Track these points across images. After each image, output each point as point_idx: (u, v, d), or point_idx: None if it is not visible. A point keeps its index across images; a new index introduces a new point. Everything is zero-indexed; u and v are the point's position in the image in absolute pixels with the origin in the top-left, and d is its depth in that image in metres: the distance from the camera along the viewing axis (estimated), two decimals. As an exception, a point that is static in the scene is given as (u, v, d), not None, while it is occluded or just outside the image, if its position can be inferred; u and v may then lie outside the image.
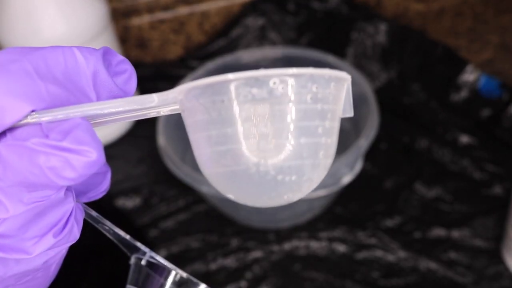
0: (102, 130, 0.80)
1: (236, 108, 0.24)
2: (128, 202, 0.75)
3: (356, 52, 0.88)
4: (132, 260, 0.31)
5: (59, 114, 0.23)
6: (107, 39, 0.75)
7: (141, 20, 0.90)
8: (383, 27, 0.88)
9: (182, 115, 0.26)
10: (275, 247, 0.69)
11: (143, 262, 0.30)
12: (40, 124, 0.23)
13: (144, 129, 0.82)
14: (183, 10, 0.91)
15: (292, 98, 0.24)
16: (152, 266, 0.30)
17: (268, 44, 0.91)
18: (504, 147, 0.77)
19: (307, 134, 0.24)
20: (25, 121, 0.23)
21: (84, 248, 0.67)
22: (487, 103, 0.81)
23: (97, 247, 0.66)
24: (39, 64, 0.24)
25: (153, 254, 0.30)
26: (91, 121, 0.25)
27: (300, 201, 0.65)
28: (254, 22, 0.91)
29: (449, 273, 0.66)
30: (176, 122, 0.71)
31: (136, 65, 0.90)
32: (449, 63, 0.86)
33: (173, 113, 0.26)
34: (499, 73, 0.87)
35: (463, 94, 0.83)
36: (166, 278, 0.30)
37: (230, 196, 0.26)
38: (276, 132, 0.24)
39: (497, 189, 0.73)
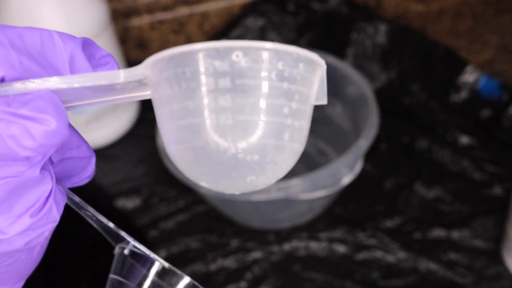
0: (102, 131, 0.80)
1: (197, 81, 0.23)
2: (128, 203, 0.75)
3: (356, 52, 0.88)
4: (117, 250, 0.31)
5: (19, 86, 0.23)
6: (107, 40, 0.75)
7: (141, 21, 0.90)
8: (383, 27, 0.88)
9: (150, 92, 0.25)
10: (275, 248, 0.69)
11: (126, 252, 0.30)
12: (7, 96, 0.23)
13: (144, 129, 0.82)
14: (183, 11, 0.91)
15: (256, 73, 0.23)
16: (136, 256, 0.30)
17: (268, 44, 0.91)
18: (504, 148, 0.77)
19: (270, 112, 0.24)
20: None
21: (84, 248, 0.67)
22: (487, 104, 0.81)
23: (96, 247, 0.66)
24: (15, 39, 0.23)
25: (136, 244, 0.30)
26: (64, 104, 0.24)
27: (300, 202, 0.65)
28: (254, 22, 0.91)
29: (449, 273, 0.66)
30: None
31: (136, 65, 0.91)
32: (449, 63, 0.86)
33: (143, 98, 0.26)
34: (499, 73, 0.87)
35: (463, 94, 0.83)
36: (149, 268, 0.30)
37: (191, 176, 0.26)
38: (237, 108, 0.23)
39: (497, 190, 0.73)
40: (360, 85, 0.70)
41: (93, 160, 0.28)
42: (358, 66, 0.87)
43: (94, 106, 0.26)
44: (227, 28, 0.92)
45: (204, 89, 0.23)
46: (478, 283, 0.64)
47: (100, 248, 0.65)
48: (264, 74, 0.23)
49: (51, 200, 0.25)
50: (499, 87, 0.82)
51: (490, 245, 0.68)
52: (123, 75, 0.24)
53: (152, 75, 0.24)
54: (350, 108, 0.71)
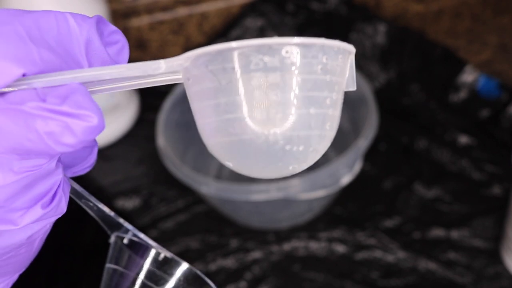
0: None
1: (247, 76, 0.23)
2: (128, 203, 0.75)
3: (355, 53, 0.88)
4: (112, 238, 0.30)
5: (56, 79, 0.22)
6: (106, 40, 0.75)
7: (141, 21, 0.90)
8: (382, 28, 0.88)
9: (186, 83, 0.25)
10: (275, 248, 0.69)
11: (125, 241, 0.30)
12: (35, 89, 0.22)
13: (144, 129, 0.82)
14: (182, 11, 0.91)
15: (303, 68, 0.24)
16: (134, 244, 0.30)
17: (267, 45, 0.91)
18: (503, 148, 0.77)
19: (316, 105, 0.24)
20: (18, 86, 0.21)
21: (85, 247, 0.67)
22: (486, 104, 0.82)
23: (97, 246, 0.66)
24: (32, 27, 0.23)
25: (136, 232, 0.30)
26: (88, 88, 0.23)
27: (300, 202, 0.65)
28: (253, 23, 0.91)
29: (448, 273, 0.66)
30: (176, 122, 0.71)
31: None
32: (448, 63, 0.86)
33: (173, 82, 0.25)
34: (497, 73, 0.87)
35: (462, 94, 0.84)
36: (147, 256, 0.29)
37: (230, 164, 0.26)
38: (286, 101, 0.24)
39: (496, 190, 0.73)
40: (360, 85, 0.70)
41: (96, 150, 0.28)
42: (357, 66, 0.86)
43: (114, 91, 0.25)
44: (226, 28, 0.92)
45: (254, 83, 0.23)
46: (477, 283, 0.65)
47: (100, 248, 0.65)
48: (310, 68, 0.24)
49: (60, 190, 0.25)
50: (498, 87, 0.82)
51: (489, 245, 0.68)
52: (164, 66, 0.24)
53: (192, 67, 0.24)
54: (350, 108, 0.71)
